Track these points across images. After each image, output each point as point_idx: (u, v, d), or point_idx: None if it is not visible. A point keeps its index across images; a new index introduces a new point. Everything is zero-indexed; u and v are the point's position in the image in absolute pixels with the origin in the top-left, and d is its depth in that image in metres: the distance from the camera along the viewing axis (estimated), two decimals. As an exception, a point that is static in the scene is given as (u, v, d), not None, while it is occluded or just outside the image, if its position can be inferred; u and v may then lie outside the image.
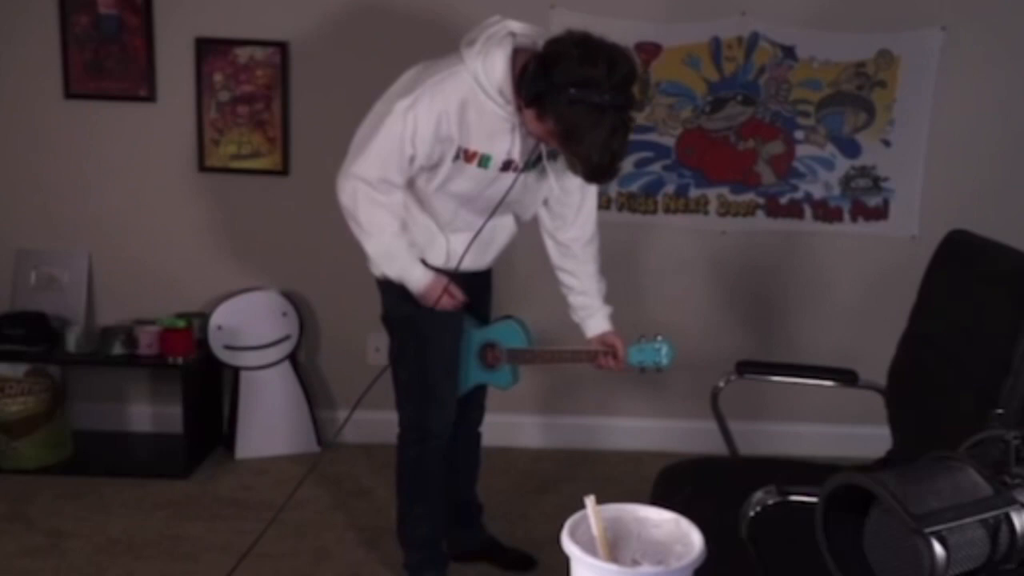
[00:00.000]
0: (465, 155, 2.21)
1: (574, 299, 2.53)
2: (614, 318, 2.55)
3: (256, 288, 3.65)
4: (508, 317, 2.64)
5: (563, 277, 2.53)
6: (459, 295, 2.40)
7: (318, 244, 3.63)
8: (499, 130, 2.19)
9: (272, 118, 3.53)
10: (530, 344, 2.61)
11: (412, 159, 2.20)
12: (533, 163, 2.28)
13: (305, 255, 3.67)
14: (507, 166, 2.25)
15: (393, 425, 2.60)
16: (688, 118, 3.53)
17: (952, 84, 3.51)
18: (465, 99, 2.14)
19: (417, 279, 2.34)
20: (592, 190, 2.46)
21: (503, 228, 2.49)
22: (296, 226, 3.64)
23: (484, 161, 2.23)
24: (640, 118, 3.51)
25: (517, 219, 2.51)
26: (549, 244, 2.53)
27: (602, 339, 2.50)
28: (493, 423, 2.89)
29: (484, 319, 2.66)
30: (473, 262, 2.42)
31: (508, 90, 2.13)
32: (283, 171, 3.58)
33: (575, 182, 2.35)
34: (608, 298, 2.55)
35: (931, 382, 2.06)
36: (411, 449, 2.56)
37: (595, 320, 2.51)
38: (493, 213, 2.31)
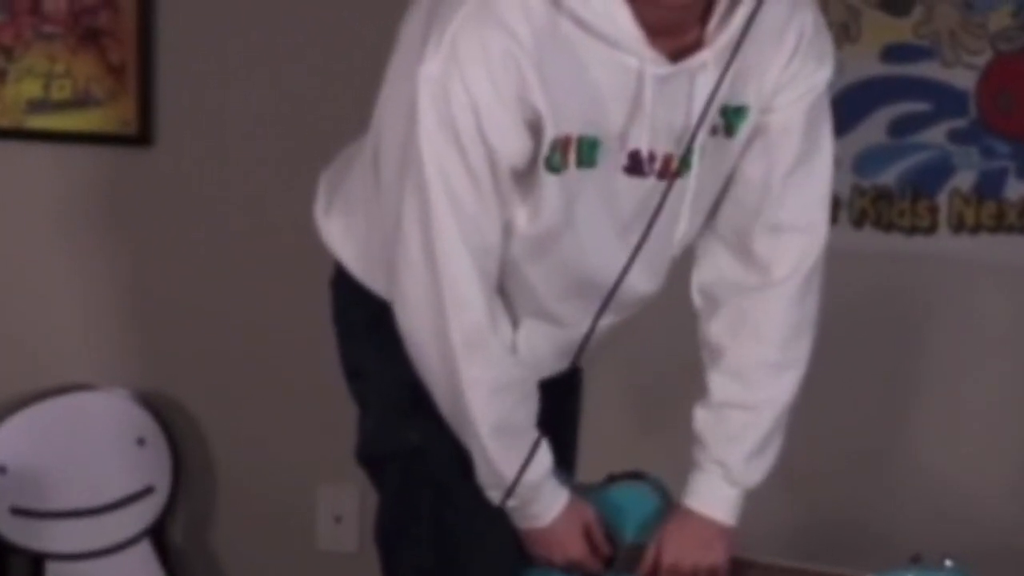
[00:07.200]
0: (562, 147, 1.36)
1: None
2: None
3: (83, 387, 2.45)
4: (636, 475, 1.71)
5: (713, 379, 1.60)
6: (604, 548, 1.55)
7: (211, 290, 2.41)
8: (613, 95, 1.33)
9: (120, 27, 2.31)
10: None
11: (494, 164, 1.31)
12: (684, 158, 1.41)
13: (184, 316, 2.46)
14: (635, 164, 1.40)
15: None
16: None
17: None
18: (539, 30, 1.26)
19: (545, 507, 1.48)
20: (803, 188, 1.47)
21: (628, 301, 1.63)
22: (165, 250, 2.44)
23: (587, 152, 1.36)
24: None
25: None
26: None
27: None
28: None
29: (564, 455, 1.64)
30: (551, 367, 1.61)
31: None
32: (140, 137, 2.38)
33: (758, 171, 1.43)
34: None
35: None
36: None
37: (694, 485, 1.59)
38: (619, 283, 1.41)
